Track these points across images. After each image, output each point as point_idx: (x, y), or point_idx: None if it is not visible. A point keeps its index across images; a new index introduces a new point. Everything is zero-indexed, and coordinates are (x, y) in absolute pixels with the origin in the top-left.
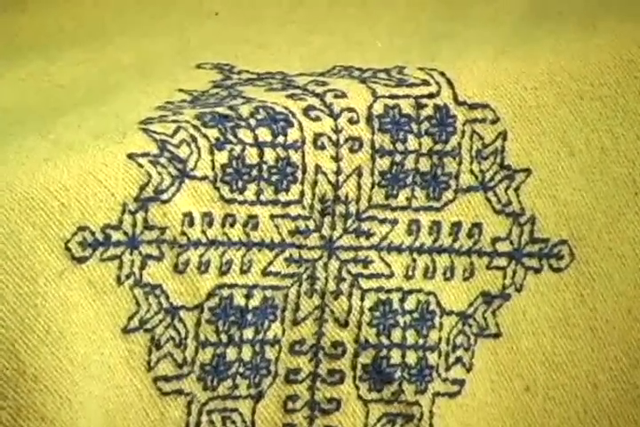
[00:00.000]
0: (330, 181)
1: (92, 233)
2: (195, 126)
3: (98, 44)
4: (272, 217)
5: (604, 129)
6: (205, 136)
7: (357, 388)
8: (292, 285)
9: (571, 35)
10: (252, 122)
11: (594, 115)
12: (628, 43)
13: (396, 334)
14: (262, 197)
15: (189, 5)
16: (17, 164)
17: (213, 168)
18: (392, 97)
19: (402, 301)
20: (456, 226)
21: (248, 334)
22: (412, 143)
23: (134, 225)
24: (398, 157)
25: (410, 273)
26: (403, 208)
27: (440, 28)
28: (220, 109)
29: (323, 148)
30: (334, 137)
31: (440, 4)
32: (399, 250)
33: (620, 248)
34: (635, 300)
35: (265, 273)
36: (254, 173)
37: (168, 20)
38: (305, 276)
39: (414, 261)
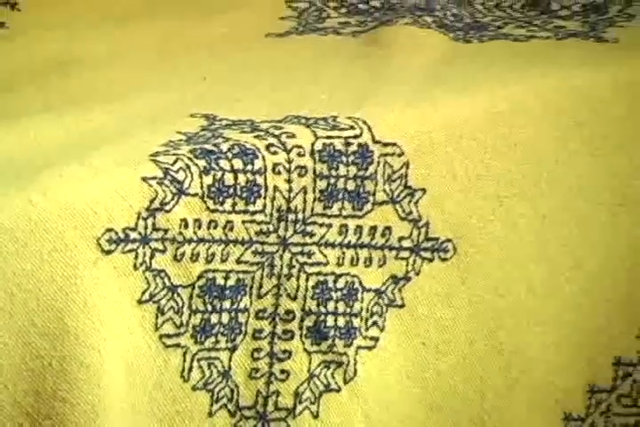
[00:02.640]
0: (284, 197)
1: (116, 233)
2: (189, 158)
3: (120, 97)
4: (243, 222)
5: (478, 159)
6: (196, 165)
7: (303, 343)
8: (257, 270)
9: (453, 94)
10: (229, 155)
11: (472, 150)
12: (497, 99)
13: (331, 305)
14: (236, 208)
15: (186, 72)
16: (61, 183)
17: (202, 187)
18: (328, 137)
19: (335, 281)
20: (373, 229)
21: (226, 304)
22: (342, 170)
23: (146, 227)
24: (332, 180)
25: (340, 262)
26: (335, 216)
27: (363, 87)
28: (207, 146)
29: (279, 173)
30: (287, 166)
31: (363, 69)
32: (333, 245)
33: (488, 245)
34: (499, 281)
35: (238, 262)
36: (231, 191)
37: (170, 82)
38: (266, 264)
39: (343, 253)
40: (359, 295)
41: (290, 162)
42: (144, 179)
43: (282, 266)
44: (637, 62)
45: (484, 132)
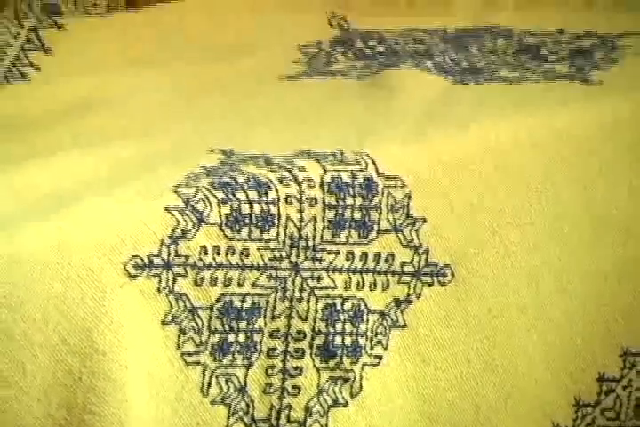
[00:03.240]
0: (296, 226)
1: (141, 259)
2: (208, 189)
3: (142, 134)
4: (258, 249)
5: (473, 191)
6: (215, 196)
7: (313, 360)
8: (271, 293)
9: (450, 132)
10: (245, 187)
11: (467, 183)
12: (490, 137)
13: (338, 326)
14: (252, 236)
15: (202, 110)
16: (90, 212)
17: (220, 217)
18: (336, 171)
19: (342, 304)
20: (377, 255)
21: (242, 325)
22: (349, 201)
23: (169, 254)
24: (340, 210)
25: (347, 286)
26: (343, 243)
27: (368, 125)
28: (225, 179)
29: (291, 204)
30: (298, 197)
31: (368, 109)
32: (340, 271)
33: (483, 270)
34: (493, 303)
35: (254, 285)
36: (247, 220)
37: (188, 120)
38: (279, 287)
39: (350, 278)
40: (365, 317)
41: (301, 193)
42: (167, 209)
43: (294, 290)
44: (619, 103)
45: (477, 166)
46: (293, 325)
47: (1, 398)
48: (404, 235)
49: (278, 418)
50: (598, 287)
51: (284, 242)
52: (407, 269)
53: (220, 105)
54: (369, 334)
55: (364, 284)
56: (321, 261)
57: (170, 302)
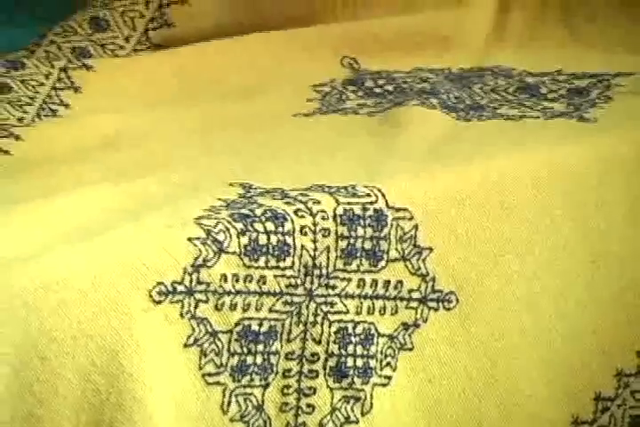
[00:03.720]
0: (310, 255)
1: (165, 286)
2: (228, 221)
3: (167, 169)
4: (275, 276)
5: (476, 223)
6: (235, 227)
7: (326, 381)
8: (287, 318)
9: (456, 166)
10: (263, 218)
11: (471, 215)
12: (492, 171)
13: (350, 348)
14: (269, 264)
15: (223, 146)
16: (118, 242)
17: (239, 247)
18: (348, 204)
19: (354, 328)
20: (387, 282)
21: (260, 347)
22: (360, 232)
23: (191, 281)
24: (352, 240)
25: (358, 311)
26: (354, 271)
27: (378, 159)
28: (244, 211)
29: (305, 234)
30: (313, 228)
31: (378, 144)
32: (352, 297)
33: (486, 296)
34: (495, 328)
35: (270, 311)
36: (264, 249)
37: (209, 155)
38: (295, 312)
39: (361, 303)
40: (375, 340)
41: (315, 225)
42: (189, 239)
43: (308, 314)
44: (614, 139)
45: (481, 200)
46: (308, 347)
47: (34, 417)
48: (411, 263)
49: None
50: (594, 314)
51: (299, 270)
52: (415, 295)
53: (238, 141)
54: (379, 355)
55: (374, 309)
56: (334, 287)
57: (192, 325)
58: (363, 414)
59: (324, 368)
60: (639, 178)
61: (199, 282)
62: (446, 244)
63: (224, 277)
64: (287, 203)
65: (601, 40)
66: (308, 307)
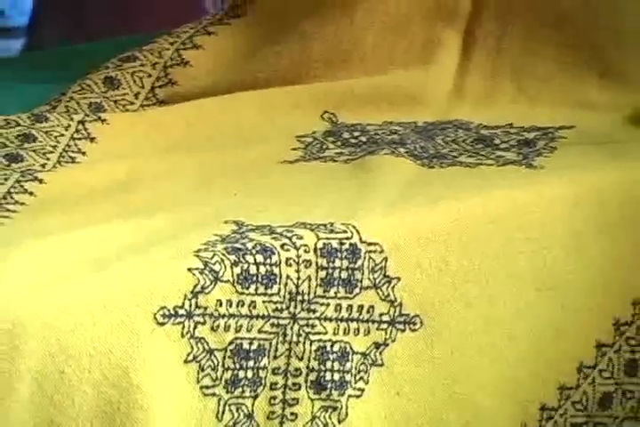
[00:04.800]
0: (294, 283)
1: (168, 310)
2: (223, 254)
3: (171, 209)
4: (263, 302)
5: (439, 256)
6: (229, 259)
7: (308, 392)
8: (274, 338)
9: (420, 207)
10: (253, 251)
11: (434, 249)
12: (453, 211)
13: (329, 364)
14: (258, 291)
15: (219, 190)
16: (127, 271)
17: (232, 276)
18: (327, 239)
19: (332, 346)
20: (360, 307)
21: (250, 363)
22: (337, 263)
23: (190, 306)
24: (330, 271)
25: (336, 332)
26: (332, 297)
27: (353, 201)
28: (237, 245)
29: (290, 265)
30: (296, 260)
31: (353, 188)
32: (330, 320)
33: (447, 319)
34: (455, 347)
35: (259, 331)
36: (254, 278)
37: (208, 197)
38: (281, 333)
39: (338, 325)
40: (350, 357)
41: (298, 257)
42: (189, 269)
43: (292, 335)
44: (556, 183)
45: (443, 236)
46: (292, 363)
47: (54, 424)
48: (382, 291)
49: None
50: (539, 336)
51: (284, 296)
52: (384, 318)
53: (232, 185)
54: (353, 371)
55: (349, 330)
56: (314, 311)
57: (191, 344)
58: (339, 421)
59: (306, 382)
60: (579, 216)
61: (197, 306)
62: (412, 274)
63: (219, 303)
64: (274, 238)
65: (546, 98)
66: (292, 328)
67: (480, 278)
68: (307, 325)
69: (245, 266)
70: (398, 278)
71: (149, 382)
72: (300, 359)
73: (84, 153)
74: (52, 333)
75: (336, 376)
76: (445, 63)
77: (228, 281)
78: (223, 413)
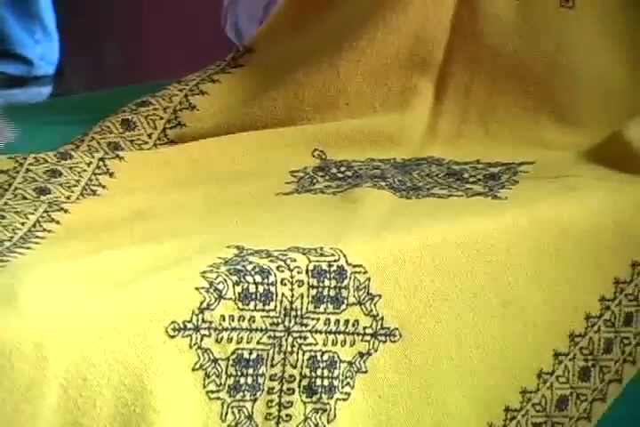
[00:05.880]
0: (288, 300)
1: (178, 324)
2: (226, 275)
3: (180, 236)
4: (262, 317)
5: (415, 276)
6: (231, 279)
7: (301, 396)
8: (271, 348)
9: (399, 233)
10: (252, 273)
11: (410, 270)
12: (427, 237)
13: (319, 371)
14: (257, 307)
15: (223, 219)
16: (142, 290)
17: (234, 294)
18: (317, 261)
19: (322, 356)
20: (347, 321)
21: (250, 371)
22: (326, 283)
23: (197, 321)
24: (320, 289)
25: (325, 343)
26: (322, 313)
27: (340, 228)
28: (238, 267)
29: (285, 285)
30: (290, 280)
31: (340, 216)
32: (320, 332)
33: (422, 332)
34: (429, 357)
35: (258, 343)
36: (253, 296)
37: (212, 226)
38: (277, 344)
39: (327, 337)
40: (337, 365)
41: (292, 277)
42: (196, 288)
43: (287, 346)
44: (517, 213)
45: (418, 258)
46: (286, 371)
47: (79, 424)
48: (365, 307)
49: None
50: (505, 346)
51: (280, 312)
52: (368, 331)
53: (234, 214)
54: (341, 377)
55: (337, 341)
56: (306, 325)
57: (198, 354)
58: (328, 422)
59: (299, 387)
60: (538, 241)
61: (204, 321)
62: (392, 292)
63: (223, 318)
64: (271, 260)
65: (509, 138)
66: (286, 340)
67: (450, 296)
68: (300, 337)
69: (246, 285)
70: (380, 296)
71: (162, 388)
72: (294, 367)
73: (104, 187)
74: (76, 344)
75: (325, 382)
76: (420, 108)
77: (230, 299)
78: (226, 414)
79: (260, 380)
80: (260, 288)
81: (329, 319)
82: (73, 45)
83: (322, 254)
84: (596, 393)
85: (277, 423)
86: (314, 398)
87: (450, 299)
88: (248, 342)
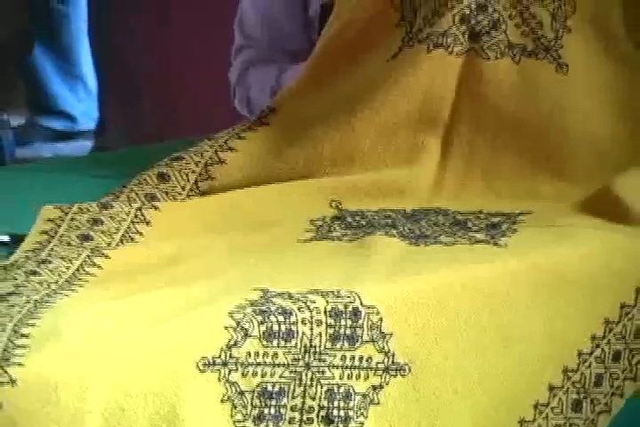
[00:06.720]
0: (308, 338)
1: (208, 360)
2: (252, 315)
3: (208, 278)
4: (284, 353)
5: (422, 316)
6: (256, 319)
7: (319, 425)
8: (292, 382)
9: (408, 277)
10: (276, 313)
11: (418, 311)
12: (434, 281)
13: (336, 403)
14: (280, 345)
15: (247, 264)
16: (174, 330)
17: (259, 333)
18: (335, 302)
19: (338, 388)
20: (361, 357)
21: (273, 402)
22: (343, 322)
23: (225, 357)
24: (337, 328)
25: (341, 377)
26: (338, 350)
27: (355, 272)
28: (263, 308)
29: (305, 324)
30: (310, 320)
31: (355, 261)
32: (337, 367)
33: (430, 368)
34: (435, 389)
35: (281, 377)
36: (277, 334)
37: (238, 270)
38: (297, 378)
39: (343, 372)
40: (353, 397)
41: (312, 317)
42: (225, 327)
43: (306, 380)
44: (517, 259)
45: (425, 300)
46: (306, 402)
47: None
48: (378, 344)
49: None
50: (504, 380)
51: (300, 349)
52: (380, 366)
53: (258, 259)
54: (355, 408)
55: (352, 376)
56: (324, 361)
57: (226, 387)
58: None
59: (317, 417)
60: (536, 284)
61: (231, 357)
62: (402, 330)
63: (248, 354)
64: (293, 302)
65: (508, 193)
66: (306, 374)
67: (455, 335)
68: (318, 371)
69: (270, 325)
70: (391, 334)
71: (193, 417)
72: (313, 399)
73: (141, 234)
74: (114, 378)
75: (342, 413)
76: (427, 163)
77: (255, 337)
78: None
79: (282, 410)
80: (283, 327)
81: (345, 355)
82: (112, 103)
83: (339, 296)
84: (588, 423)
85: None
86: None
87: (455, 337)
88: (271, 376)
